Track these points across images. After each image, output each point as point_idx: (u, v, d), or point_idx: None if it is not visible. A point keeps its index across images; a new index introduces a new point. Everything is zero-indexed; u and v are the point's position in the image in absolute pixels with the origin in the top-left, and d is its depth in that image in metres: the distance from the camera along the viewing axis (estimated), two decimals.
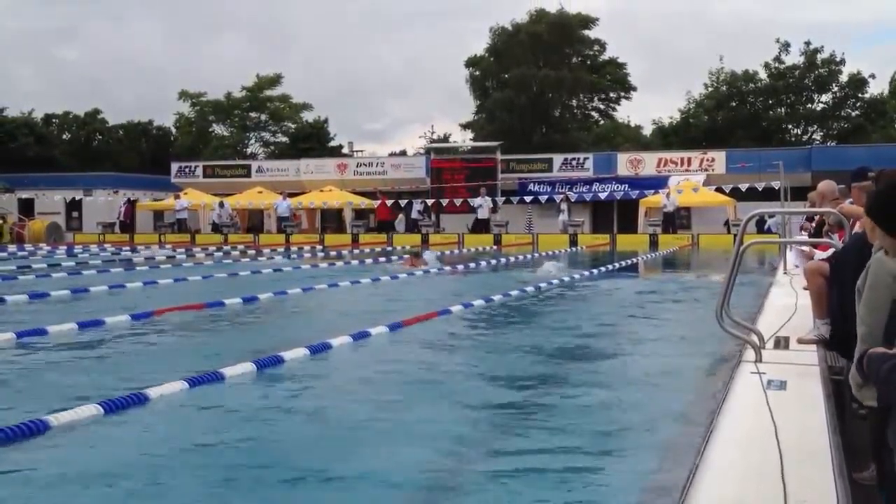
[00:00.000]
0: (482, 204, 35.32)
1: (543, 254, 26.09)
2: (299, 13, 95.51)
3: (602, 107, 60.19)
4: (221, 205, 37.91)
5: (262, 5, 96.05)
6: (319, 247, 31.67)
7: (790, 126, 53.15)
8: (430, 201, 36.69)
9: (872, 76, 51.41)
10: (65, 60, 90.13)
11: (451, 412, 5.73)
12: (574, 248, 30.02)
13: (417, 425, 5.38)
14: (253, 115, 59.36)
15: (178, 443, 5.03)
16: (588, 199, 37.44)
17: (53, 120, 61.43)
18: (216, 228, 37.45)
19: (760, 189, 30.65)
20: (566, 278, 15.99)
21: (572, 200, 36.73)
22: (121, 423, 5.32)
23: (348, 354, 7.92)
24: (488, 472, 4.51)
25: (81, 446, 4.95)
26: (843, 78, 51.24)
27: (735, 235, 6.46)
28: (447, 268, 19.22)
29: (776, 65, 51.92)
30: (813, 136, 52.05)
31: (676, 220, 34.44)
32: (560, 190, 37.16)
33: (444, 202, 36.33)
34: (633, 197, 36.04)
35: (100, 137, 61.28)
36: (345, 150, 56.76)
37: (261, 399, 6.14)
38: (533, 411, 5.75)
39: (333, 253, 27.31)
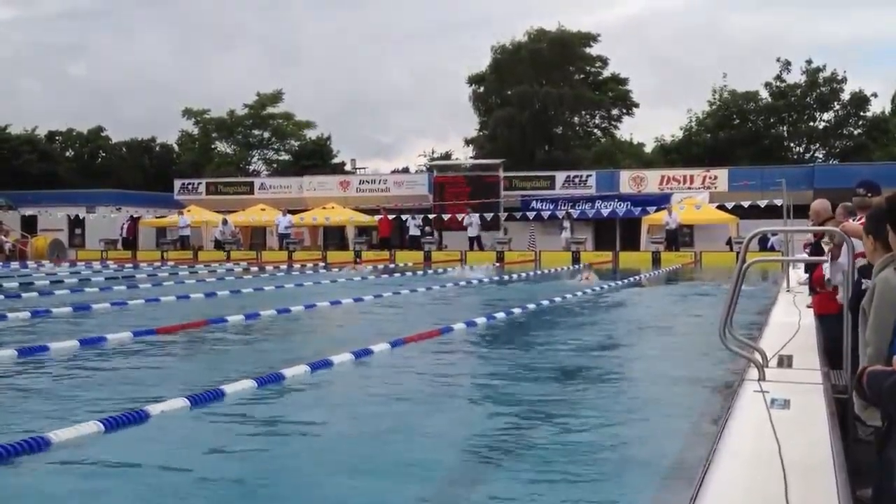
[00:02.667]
0: (471, 222, 35.29)
1: (547, 270, 26.11)
2: (303, 32, 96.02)
3: (604, 124, 60.31)
4: (225, 222, 37.96)
5: (266, 24, 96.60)
6: (322, 263, 31.67)
7: (792, 144, 53.22)
8: (431, 216, 36.70)
9: (874, 94, 51.57)
10: (68, 77, 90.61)
11: (447, 431, 5.71)
12: (576, 266, 29.95)
13: (413, 447, 5.35)
14: (256, 132, 59.56)
15: (179, 460, 5.02)
16: (590, 217, 37.44)
17: (57, 137, 61.62)
18: (219, 245, 37.47)
19: (763, 206, 30.63)
20: (568, 296, 15.97)
21: (574, 217, 36.73)
22: (122, 440, 5.30)
23: (349, 372, 7.91)
24: (486, 495, 4.49)
25: (82, 463, 4.94)
26: (845, 96, 51.35)
27: (738, 253, 6.45)
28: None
29: (777, 83, 52.05)
30: (815, 155, 52.10)
31: (679, 237, 34.39)
32: (563, 207, 37.16)
33: (446, 217, 36.34)
34: (636, 214, 36.03)
35: (103, 154, 61.43)
36: (347, 168, 56.86)
37: (261, 416, 6.13)
38: (534, 429, 5.72)
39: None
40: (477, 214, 35.38)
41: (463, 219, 35.40)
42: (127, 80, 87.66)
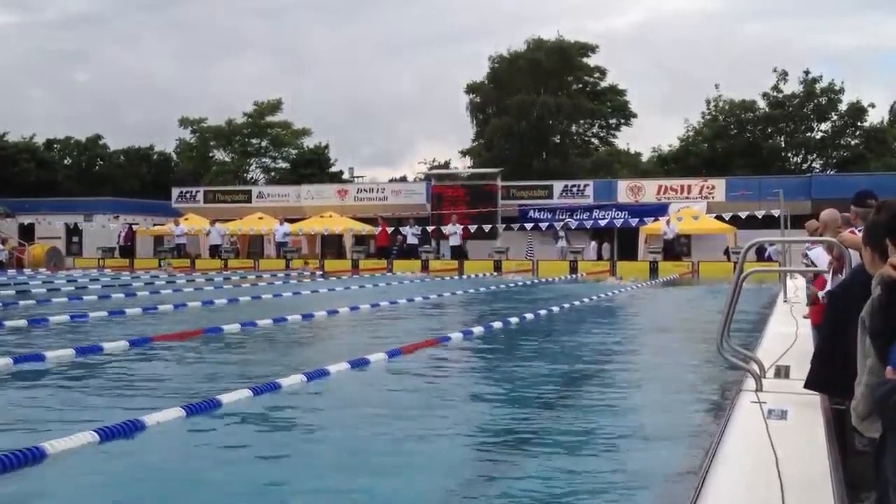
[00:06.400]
0: (454, 231, 35.32)
1: (544, 279, 26.21)
2: (304, 41, 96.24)
3: (602, 134, 60.45)
4: (213, 223, 38.03)
5: (267, 33, 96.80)
6: (319, 272, 31.66)
7: (789, 154, 53.33)
8: (430, 228, 36.73)
9: (872, 105, 51.74)
10: (68, 85, 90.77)
11: (445, 444, 5.70)
12: (574, 276, 30.01)
13: (409, 457, 5.33)
14: (254, 141, 59.62)
15: (174, 471, 5.00)
16: (588, 227, 37.47)
17: (55, 145, 61.63)
18: (215, 252, 37.33)
19: (760, 217, 30.70)
20: (566, 305, 15.96)
21: (572, 228, 36.77)
22: (117, 451, 5.27)
23: (346, 381, 7.88)
24: None
25: (77, 474, 4.91)
26: (843, 107, 51.49)
27: (735, 263, 6.45)
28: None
29: (775, 94, 52.19)
30: (812, 165, 52.20)
31: (677, 247, 34.42)
32: (560, 217, 37.20)
33: (445, 228, 36.36)
34: (633, 224, 36.08)
35: (101, 162, 61.45)
36: (345, 176, 56.93)
37: (257, 426, 6.11)
38: (529, 440, 5.71)
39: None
40: (460, 225, 35.42)
41: (446, 228, 35.56)
42: (127, 88, 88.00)
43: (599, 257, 35.39)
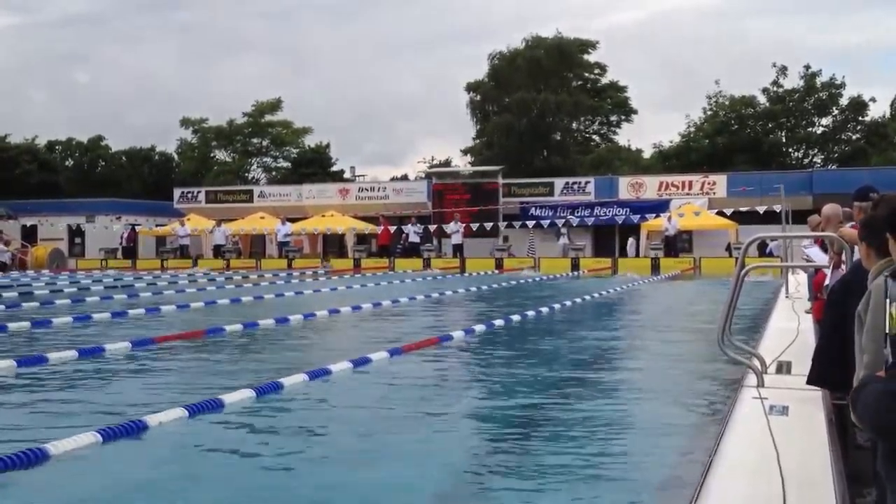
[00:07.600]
0: (456, 230, 35.33)
1: (546, 277, 26.24)
2: (305, 41, 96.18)
3: (603, 130, 60.43)
4: (218, 223, 38.04)
5: (268, 34, 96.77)
6: (321, 270, 31.70)
7: (790, 150, 53.28)
8: (432, 227, 36.75)
9: (873, 99, 51.65)
10: (69, 86, 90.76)
11: (447, 442, 5.71)
12: (576, 273, 30.01)
13: (410, 456, 5.33)
14: (255, 140, 59.61)
15: (177, 471, 5.01)
16: (589, 224, 37.46)
17: (56, 147, 61.67)
18: (218, 252, 37.35)
19: (762, 212, 30.69)
20: (567, 303, 15.96)
21: (573, 225, 36.77)
22: (120, 451, 5.29)
23: (348, 381, 7.89)
24: None
25: (80, 475, 4.92)
26: (844, 101, 51.43)
27: (736, 259, 6.44)
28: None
29: (775, 89, 52.12)
30: (813, 160, 52.14)
31: (678, 243, 34.39)
32: (561, 214, 37.20)
33: (446, 227, 36.38)
34: (635, 221, 36.06)
35: (103, 164, 61.48)
36: (347, 175, 56.91)
37: (260, 426, 6.11)
38: (530, 438, 5.71)
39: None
40: (462, 224, 35.44)
41: (448, 226, 35.60)
42: (128, 89, 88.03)
43: (637, 254, 35.17)
